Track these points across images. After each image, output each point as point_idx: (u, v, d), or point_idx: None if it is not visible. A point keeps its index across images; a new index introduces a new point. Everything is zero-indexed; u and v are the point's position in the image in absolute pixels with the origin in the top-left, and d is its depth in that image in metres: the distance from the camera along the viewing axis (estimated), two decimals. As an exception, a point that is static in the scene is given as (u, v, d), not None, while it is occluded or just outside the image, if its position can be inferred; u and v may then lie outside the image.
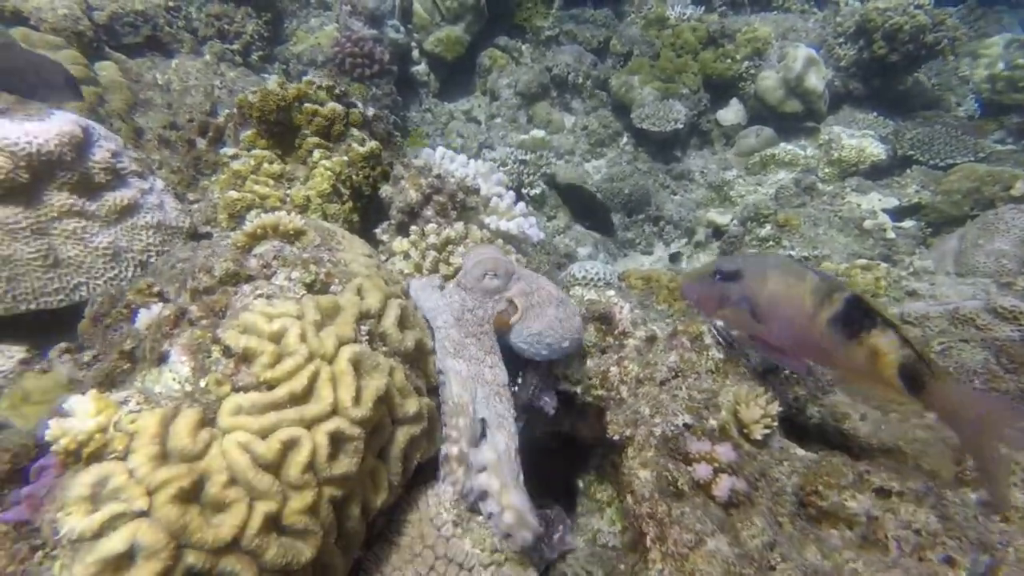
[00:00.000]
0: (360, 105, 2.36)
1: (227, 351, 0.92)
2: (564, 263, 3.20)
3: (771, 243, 3.63)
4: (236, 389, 0.91)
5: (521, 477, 1.19)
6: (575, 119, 5.66)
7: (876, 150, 4.29)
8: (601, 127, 5.49)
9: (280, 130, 2.08)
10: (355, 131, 2.25)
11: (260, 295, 1.02)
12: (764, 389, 1.24)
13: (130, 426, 0.76)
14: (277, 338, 0.98)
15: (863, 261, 2.82)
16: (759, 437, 1.22)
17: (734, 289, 1.13)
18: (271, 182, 1.94)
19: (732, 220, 4.11)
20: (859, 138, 4.40)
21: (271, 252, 1.09)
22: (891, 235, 3.54)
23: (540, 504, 1.26)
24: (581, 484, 1.78)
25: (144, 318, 0.98)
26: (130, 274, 1.57)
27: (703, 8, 5.77)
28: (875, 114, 5.43)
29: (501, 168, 4.78)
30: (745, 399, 1.28)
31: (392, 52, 5.32)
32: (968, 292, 2.63)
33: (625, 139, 5.48)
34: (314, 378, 0.99)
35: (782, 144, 4.71)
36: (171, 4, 3.65)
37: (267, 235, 1.16)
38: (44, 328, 1.51)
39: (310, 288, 1.06)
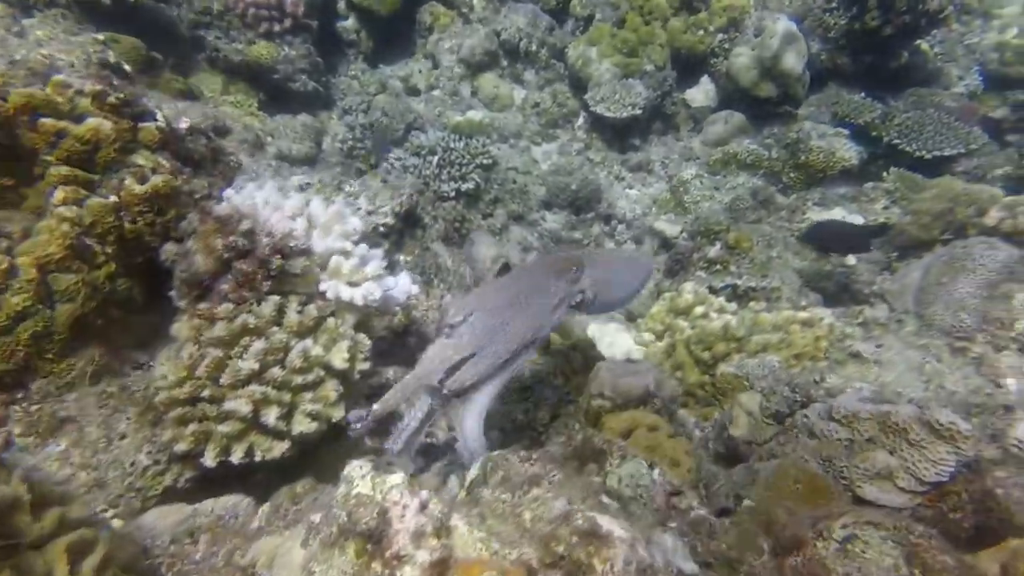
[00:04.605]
0: (161, 117, 1.79)
1: None
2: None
3: (718, 267, 3.20)
4: None
5: None
6: (526, 93, 4.98)
7: (847, 154, 3.78)
8: (555, 105, 4.84)
9: (3, 153, 1.49)
10: (143, 155, 1.69)
11: None
12: None
13: None
14: None
15: (804, 315, 2.42)
16: None
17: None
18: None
19: (682, 232, 3.65)
20: (830, 138, 3.87)
21: None
22: (852, 261, 3.13)
23: None
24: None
25: None
26: None
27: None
28: (863, 95, 4.84)
29: (431, 157, 4.19)
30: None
31: (309, 2, 4.52)
32: (916, 360, 2.27)
33: (581, 119, 4.85)
34: None
35: (746, 142, 4.16)
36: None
37: None
38: None
39: None
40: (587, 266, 1.76)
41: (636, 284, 1.89)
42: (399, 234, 2.67)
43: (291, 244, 1.71)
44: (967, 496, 1.50)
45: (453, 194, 4.16)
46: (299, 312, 1.62)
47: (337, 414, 1.55)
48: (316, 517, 1.06)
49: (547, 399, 2.13)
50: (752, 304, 2.96)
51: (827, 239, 2.98)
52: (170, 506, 1.20)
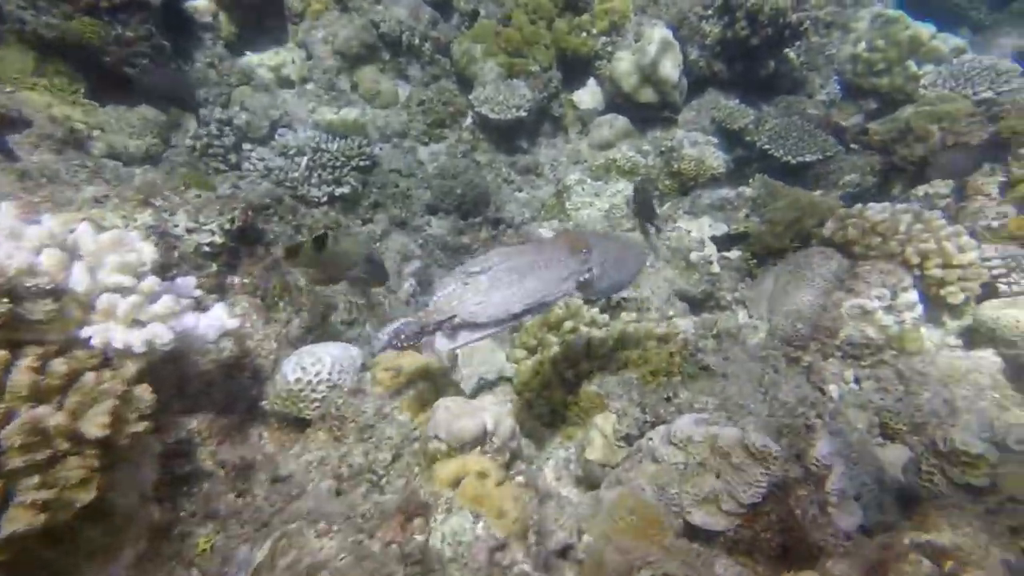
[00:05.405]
0: None
1: None
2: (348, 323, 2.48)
3: (593, 276, 3.17)
4: None
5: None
6: (411, 90, 4.71)
7: (715, 162, 3.95)
8: (441, 103, 4.62)
9: None
10: None
11: None
12: None
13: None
14: None
15: (662, 330, 2.45)
16: None
17: None
18: None
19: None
20: (701, 146, 4.02)
21: None
22: (716, 269, 3.25)
23: None
24: None
25: None
26: None
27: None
28: (737, 100, 5.10)
29: (299, 158, 3.82)
30: None
31: (150, -22, 3.91)
32: (756, 371, 2.36)
33: (470, 119, 4.67)
34: None
35: (624, 147, 4.22)
36: None
37: None
38: None
39: None
40: (595, 248, 1.88)
41: (634, 269, 2.00)
42: (232, 253, 2.35)
43: (29, 283, 1.37)
44: (775, 516, 1.54)
45: (325, 199, 3.84)
46: (34, 369, 1.30)
47: (85, 496, 1.26)
48: None
49: (390, 437, 1.95)
50: (623, 315, 2.97)
51: None
52: None
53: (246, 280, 2.39)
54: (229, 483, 1.64)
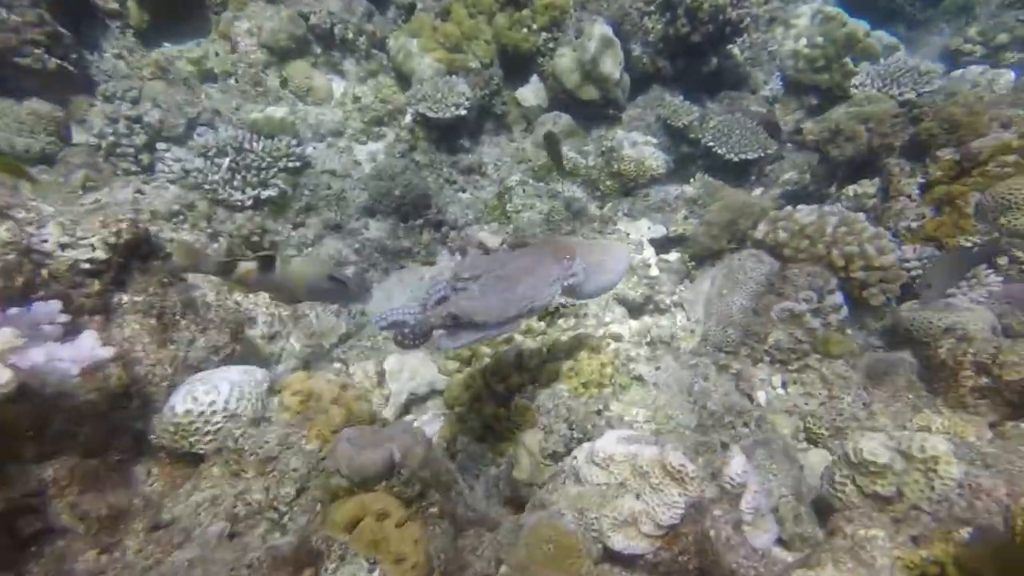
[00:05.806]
0: None
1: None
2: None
3: (531, 281, 3.08)
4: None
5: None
6: (346, 86, 4.48)
7: (655, 163, 3.93)
8: (379, 101, 4.41)
9: None
10: None
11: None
12: None
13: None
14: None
15: (594, 340, 2.38)
16: None
17: None
18: None
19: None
20: (640, 146, 3.99)
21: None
22: (655, 272, 3.21)
23: None
24: None
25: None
26: None
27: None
28: (681, 97, 5.10)
29: (219, 159, 3.55)
30: None
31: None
32: (686, 380, 2.33)
33: (409, 117, 4.48)
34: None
35: (566, 149, 4.14)
36: None
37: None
38: None
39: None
40: (578, 254, 1.94)
41: (618, 272, 2.06)
42: (121, 269, 2.12)
43: None
44: (691, 538, 1.49)
45: (250, 203, 3.59)
46: None
47: None
48: None
49: (295, 469, 1.80)
50: (560, 323, 2.90)
51: None
52: None
53: (138, 298, 2.16)
54: (91, 538, 1.45)
